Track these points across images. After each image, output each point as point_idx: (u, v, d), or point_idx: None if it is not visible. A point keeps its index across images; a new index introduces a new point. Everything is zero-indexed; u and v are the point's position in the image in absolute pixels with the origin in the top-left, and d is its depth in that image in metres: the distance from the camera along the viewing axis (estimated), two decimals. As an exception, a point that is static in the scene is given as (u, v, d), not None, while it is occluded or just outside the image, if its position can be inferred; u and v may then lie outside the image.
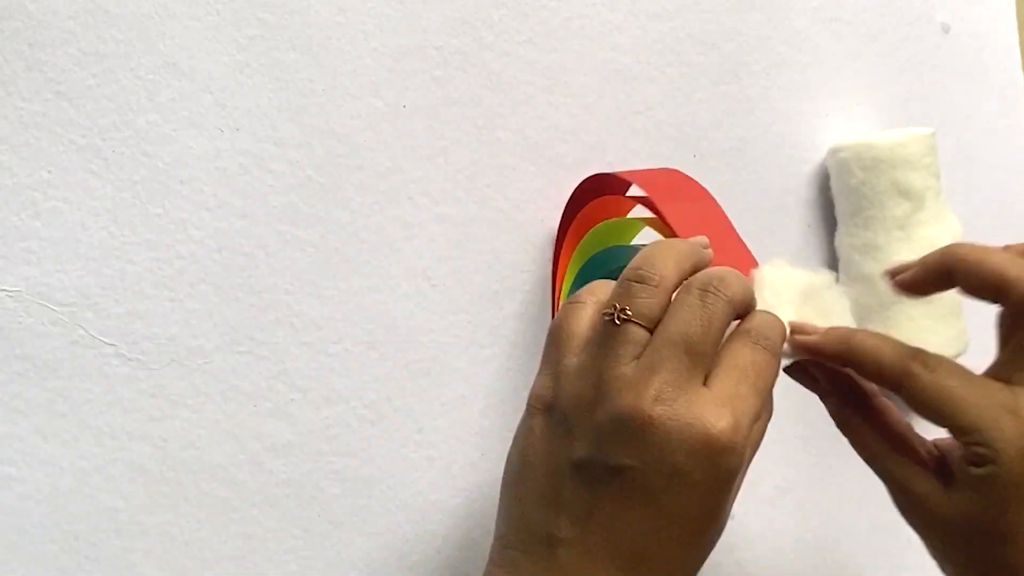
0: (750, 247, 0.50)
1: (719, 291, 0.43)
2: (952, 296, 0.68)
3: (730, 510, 0.44)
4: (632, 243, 0.57)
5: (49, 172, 0.49)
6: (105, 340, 0.50)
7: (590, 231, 0.57)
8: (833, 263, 0.70)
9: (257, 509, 0.53)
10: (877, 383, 0.49)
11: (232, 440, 0.53)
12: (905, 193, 0.66)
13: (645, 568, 0.42)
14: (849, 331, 0.47)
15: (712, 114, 0.66)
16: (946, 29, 0.75)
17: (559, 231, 0.59)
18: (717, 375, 0.43)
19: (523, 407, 0.45)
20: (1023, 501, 0.43)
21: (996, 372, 0.46)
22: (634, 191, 0.56)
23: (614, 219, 0.57)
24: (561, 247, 0.58)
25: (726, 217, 0.53)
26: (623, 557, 0.42)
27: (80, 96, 0.49)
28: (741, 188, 0.67)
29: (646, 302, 0.43)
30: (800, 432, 0.69)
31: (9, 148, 0.48)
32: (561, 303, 0.49)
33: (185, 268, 0.52)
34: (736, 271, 0.45)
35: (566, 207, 0.59)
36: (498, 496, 0.46)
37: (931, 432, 0.49)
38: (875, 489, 0.73)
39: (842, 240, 0.69)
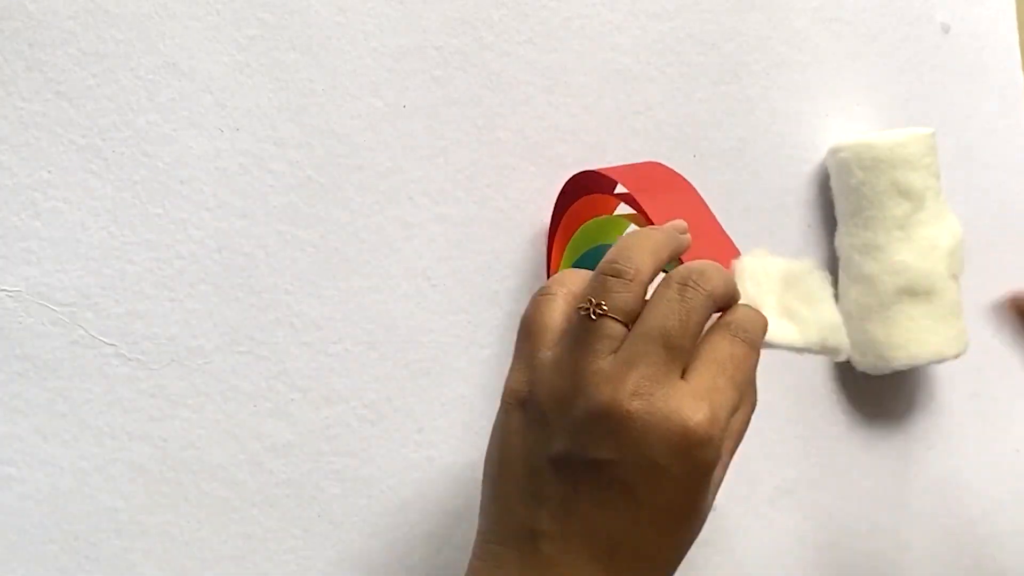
0: (750, 247, 0.50)
1: (698, 285, 0.43)
2: (952, 296, 0.68)
3: (712, 502, 0.44)
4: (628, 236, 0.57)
5: (49, 172, 0.49)
6: (105, 340, 0.50)
7: (578, 230, 0.57)
8: (833, 263, 0.70)
9: (257, 509, 0.53)
10: None
11: (232, 440, 0.53)
12: (905, 193, 0.66)
13: (625, 560, 0.42)
14: None
15: (712, 114, 0.66)
16: (946, 29, 0.75)
17: (550, 231, 0.59)
18: (695, 368, 0.43)
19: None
20: None
21: None
22: (620, 188, 0.56)
23: (601, 217, 0.57)
24: (552, 246, 0.59)
25: (707, 208, 0.53)
26: (603, 550, 0.42)
27: (80, 96, 0.49)
28: (741, 188, 0.67)
29: (622, 296, 0.43)
30: (800, 432, 0.69)
31: (9, 148, 0.48)
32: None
33: (185, 268, 0.52)
34: (717, 264, 0.45)
35: (555, 206, 0.58)
36: None
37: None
38: (875, 489, 0.73)
39: (842, 240, 0.69)
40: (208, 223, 0.52)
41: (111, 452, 0.50)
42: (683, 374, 0.43)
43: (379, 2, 0.56)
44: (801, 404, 0.70)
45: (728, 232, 0.52)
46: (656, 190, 0.54)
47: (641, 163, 0.60)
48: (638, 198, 0.52)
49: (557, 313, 0.45)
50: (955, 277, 0.68)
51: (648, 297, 0.44)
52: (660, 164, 0.58)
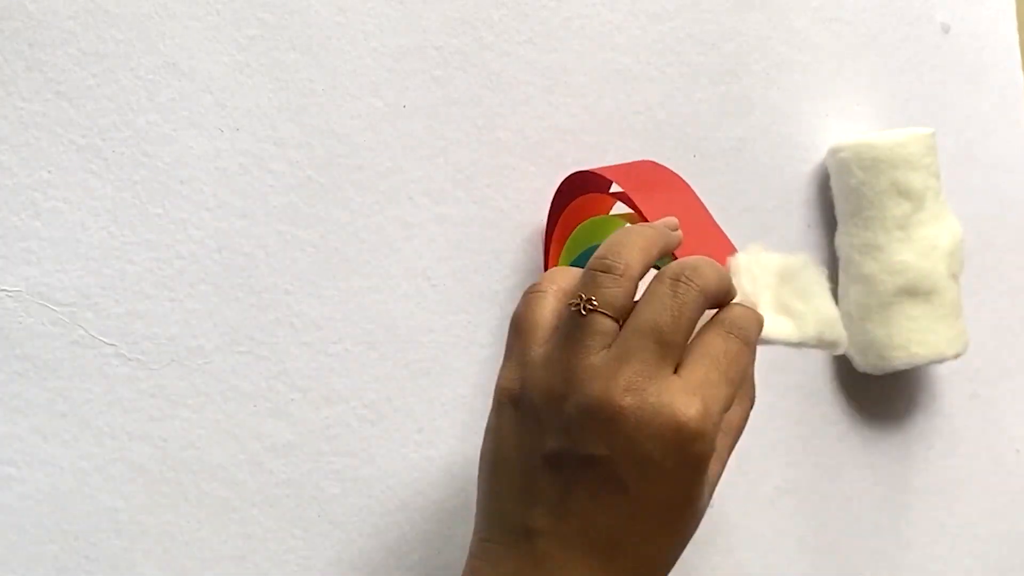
0: (746, 244, 0.50)
1: (691, 281, 0.43)
2: (952, 296, 0.68)
3: (708, 498, 0.44)
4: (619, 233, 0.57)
5: (49, 172, 0.49)
6: (105, 340, 0.50)
7: (574, 230, 0.57)
8: (833, 263, 0.70)
9: (257, 509, 0.53)
10: None
11: (232, 440, 0.53)
12: (905, 193, 0.66)
13: (621, 556, 0.42)
14: None
15: (712, 114, 0.66)
16: (946, 29, 0.75)
17: (546, 231, 0.59)
18: (688, 363, 0.43)
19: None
20: None
21: None
22: (615, 187, 0.56)
23: (597, 217, 0.57)
24: (549, 247, 0.59)
25: (703, 205, 0.53)
26: (599, 546, 0.42)
27: (80, 96, 0.49)
28: (741, 188, 0.67)
29: (612, 291, 0.43)
30: (800, 432, 0.69)
31: (9, 148, 0.48)
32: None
33: (185, 268, 0.52)
34: (711, 260, 0.45)
35: (551, 207, 0.58)
36: None
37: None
38: (875, 489, 0.73)
39: (842, 240, 0.69)
40: (208, 223, 0.52)
41: (111, 452, 0.50)
42: (677, 370, 0.43)
43: (379, 2, 0.56)
44: (801, 404, 0.70)
45: (728, 231, 0.52)
46: (652, 189, 0.54)
47: (636, 162, 0.60)
48: (633, 197, 0.52)
49: (548, 310, 0.45)
50: (955, 277, 0.68)
51: (640, 294, 0.44)
52: (655, 163, 0.58)
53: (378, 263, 0.56)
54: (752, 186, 0.67)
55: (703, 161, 0.65)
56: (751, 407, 0.48)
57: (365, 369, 0.56)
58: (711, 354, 0.43)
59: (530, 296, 0.46)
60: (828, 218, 0.70)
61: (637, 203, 0.52)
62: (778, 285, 0.48)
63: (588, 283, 0.44)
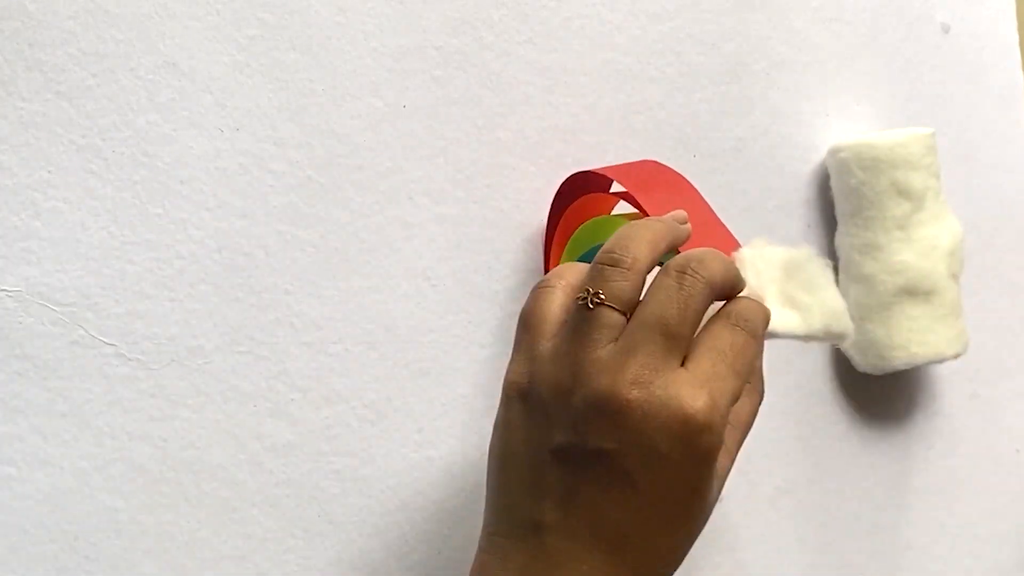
0: (749, 239, 0.50)
1: (697, 273, 0.43)
2: (952, 296, 0.68)
3: (717, 493, 0.44)
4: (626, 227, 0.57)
5: (49, 172, 0.49)
6: (105, 340, 0.50)
7: (576, 231, 0.57)
8: (833, 263, 0.70)
9: (257, 509, 0.53)
10: None
11: (232, 440, 0.53)
12: (905, 193, 0.66)
13: (630, 549, 0.42)
14: None
15: (712, 114, 0.66)
16: (946, 29, 0.75)
17: (546, 233, 0.59)
18: (695, 356, 0.43)
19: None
20: None
21: None
22: (616, 187, 0.56)
23: (599, 217, 0.57)
24: (550, 248, 0.59)
25: (706, 202, 0.53)
26: (607, 539, 0.42)
27: (80, 96, 0.49)
28: (741, 188, 0.67)
29: (619, 285, 0.43)
30: (800, 432, 0.69)
31: (9, 148, 0.48)
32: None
33: (185, 268, 0.52)
34: (717, 252, 0.45)
35: (551, 207, 0.58)
36: None
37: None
38: (875, 489, 0.73)
39: (842, 240, 0.69)
40: (208, 223, 0.52)
41: (111, 452, 0.50)
42: (684, 363, 0.43)
43: (379, 2, 0.56)
44: (801, 404, 0.70)
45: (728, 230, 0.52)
46: (654, 187, 0.54)
47: (637, 161, 0.60)
48: (636, 195, 0.52)
49: (556, 305, 0.45)
50: (955, 277, 0.68)
51: (647, 287, 0.44)
52: (656, 162, 0.58)
53: (378, 263, 0.56)
54: (752, 186, 0.67)
55: (703, 161, 0.65)
56: (760, 401, 0.48)
57: (365, 369, 0.56)
58: (718, 347, 0.43)
59: (538, 291, 0.46)
60: (828, 218, 0.70)
61: (640, 202, 0.52)
62: (783, 278, 0.48)
63: (595, 277, 0.44)
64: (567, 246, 0.57)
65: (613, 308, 0.43)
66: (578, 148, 0.61)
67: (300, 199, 0.54)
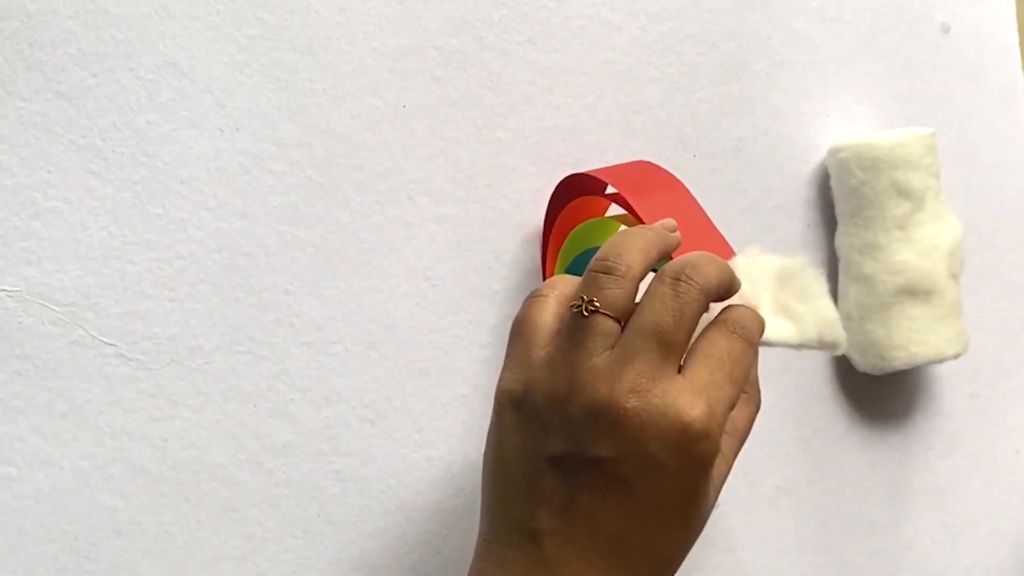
0: (746, 246, 0.50)
1: (691, 279, 0.43)
2: (952, 296, 0.68)
3: (714, 499, 0.44)
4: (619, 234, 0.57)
5: (49, 172, 0.49)
6: (105, 340, 0.50)
7: (571, 233, 0.57)
8: (833, 263, 0.70)
9: (257, 509, 0.53)
10: None
11: (232, 440, 0.53)
12: (905, 193, 0.66)
13: (628, 557, 0.42)
14: None
15: (712, 114, 0.66)
16: (946, 29, 0.75)
17: (543, 235, 0.59)
18: (692, 364, 0.43)
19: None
20: None
21: None
22: (610, 189, 0.56)
23: (593, 219, 0.57)
24: (546, 250, 0.58)
25: (699, 206, 0.53)
26: (605, 547, 0.42)
27: (80, 96, 0.49)
28: (741, 188, 0.67)
29: (614, 292, 0.43)
30: (800, 432, 0.69)
31: (9, 148, 0.48)
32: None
33: (185, 268, 0.52)
34: (711, 255, 0.45)
35: (547, 210, 0.58)
36: None
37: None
38: (875, 489, 0.73)
39: (842, 240, 0.69)
40: (208, 223, 0.52)
41: (111, 452, 0.50)
42: (680, 370, 0.43)
43: (379, 2, 0.56)
44: (801, 404, 0.70)
45: (728, 231, 0.52)
46: (647, 190, 0.54)
47: (631, 162, 0.60)
48: (628, 198, 0.52)
49: (549, 314, 0.45)
50: (955, 277, 0.68)
51: (640, 295, 0.44)
52: (650, 163, 0.58)
53: (378, 263, 0.56)
54: (752, 186, 0.67)
55: (703, 161, 0.65)
56: (757, 411, 0.48)
57: (365, 369, 0.56)
58: (715, 355, 0.43)
59: (531, 300, 0.46)
60: (828, 218, 0.70)
61: (632, 205, 0.52)
62: (777, 287, 0.48)
63: (589, 284, 0.44)
64: (562, 249, 0.57)
65: (608, 315, 0.43)
66: (578, 148, 0.61)
67: (300, 199, 0.54)
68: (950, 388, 0.75)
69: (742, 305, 0.46)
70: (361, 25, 0.55)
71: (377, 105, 0.56)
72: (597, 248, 0.56)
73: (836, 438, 0.71)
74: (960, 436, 0.75)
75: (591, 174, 0.56)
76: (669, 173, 0.56)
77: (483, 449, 0.46)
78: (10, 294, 0.48)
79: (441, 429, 0.58)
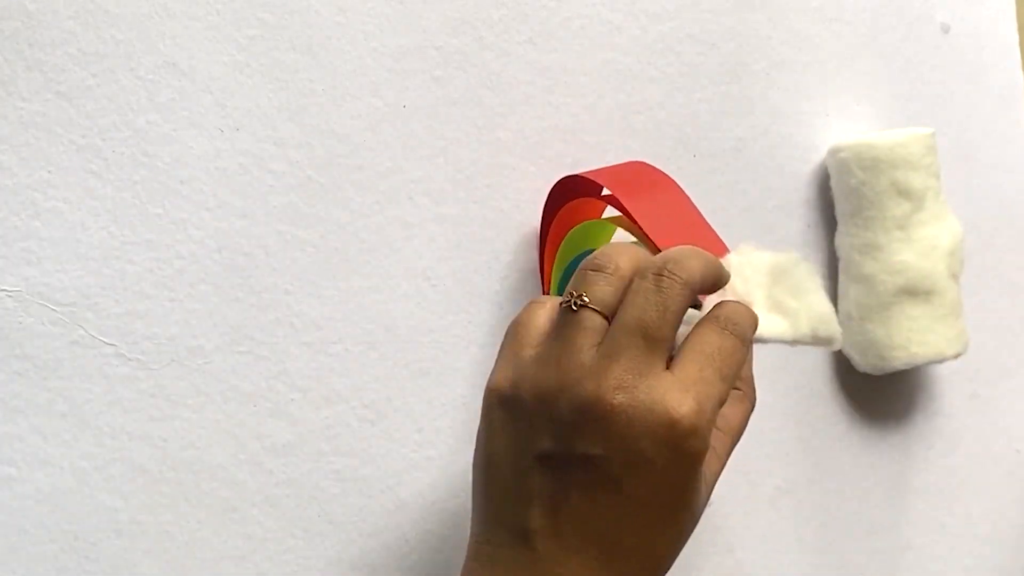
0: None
1: (673, 274, 0.43)
2: (953, 296, 0.68)
3: (707, 497, 0.44)
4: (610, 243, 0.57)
5: (49, 172, 0.49)
6: (105, 340, 0.50)
7: (567, 235, 0.57)
8: (833, 263, 0.70)
9: (257, 509, 0.53)
10: None
11: (232, 440, 0.53)
12: (905, 193, 0.66)
13: (619, 554, 0.42)
14: None
15: (712, 114, 0.66)
16: (946, 29, 0.75)
17: (540, 238, 0.59)
18: (681, 360, 0.43)
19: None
20: None
21: None
22: (605, 190, 0.56)
23: (589, 221, 0.57)
24: (544, 254, 0.58)
25: (693, 205, 0.53)
26: (596, 544, 0.42)
27: (80, 96, 0.49)
28: (741, 188, 0.67)
29: (603, 289, 0.44)
30: (800, 432, 0.69)
31: (9, 148, 0.48)
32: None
33: (185, 268, 0.52)
34: (695, 249, 0.45)
35: (543, 212, 0.58)
36: None
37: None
38: (875, 489, 0.73)
39: (842, 240, 0.69)
40: (208, 223, 0.52)
41: (111, 452, 0.50)
42: (670, 366, 0.43)
43: (379, 2, 0.56)
44: (801, 404, 0.70)
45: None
46: (641, 191, 0.54)
47: (625, 163, 0.60)
48: (622, 199, 0.52)
49: (543, 316, 0.45)
50: (955, 277, 0.68)
51: None
52: (644, 163, 0.58)
53: (378, 263, 0.56)
54: (752, 186, 0.67)
55: (703, 161, 0.65)
56: (752, 409, 0.48)
57: (365, 369, 0.56)
58: (705, 351, 0.43)
59: (530, 304, 0.47)
60: (828, 218, 0.70)
61: (626, 205, 0.52)
62: (770, 284, 0.48)
63: (579, 282, 0.44)
64: (559, 252, 0.57)
65: (595, 311, 0.43)
66: (578, 148, 0.61)
67: (300, 199, 0.54)
68: (950, 388, 0.75)
69: (734, 301, 0.46)
70: (361, 25, 0.55)
71: (377, 105, 0.56)
72: (593, 249, 0.56)
73: (836, 438, 0.71)
74: (960, 436, 0.75)
75: (585, 175, 0.56)
76: (662, 173, 0.56)
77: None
78: (10, 294, 0.48)
79: (441, 429, 0.58)
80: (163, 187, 0.51)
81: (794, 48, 0.69)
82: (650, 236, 0.50)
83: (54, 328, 0.49)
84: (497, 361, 0.46)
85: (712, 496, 0.45)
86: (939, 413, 0.75)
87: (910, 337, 0.67)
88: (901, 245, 0.67)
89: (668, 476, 0.42)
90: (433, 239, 0.57)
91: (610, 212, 0.56)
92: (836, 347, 0.49)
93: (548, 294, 0.58)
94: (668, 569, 0.44)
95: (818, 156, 0.70)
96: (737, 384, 0.47)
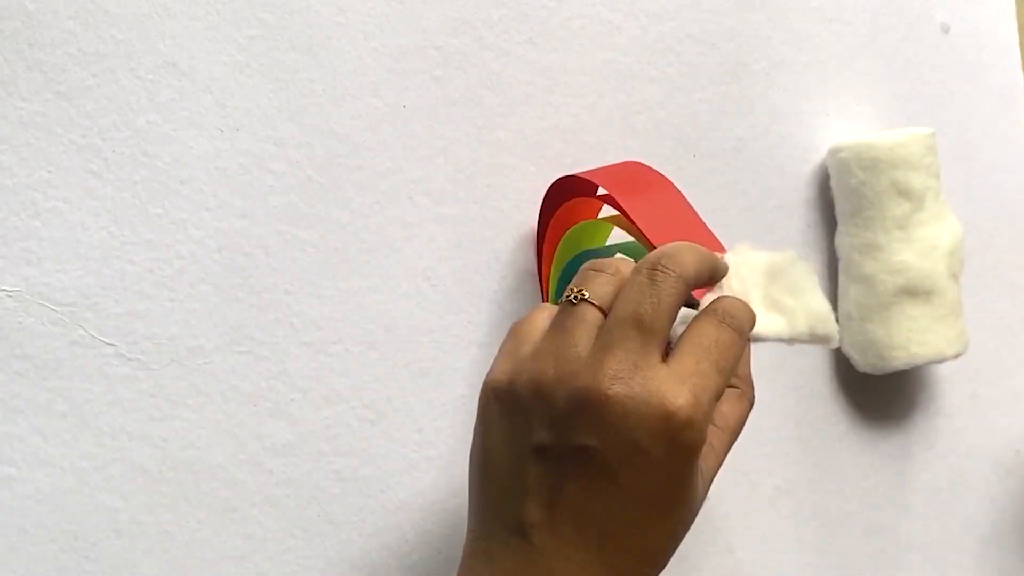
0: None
1: (667, 268, 0.43)
2: (952, 296, 0.68)
3: (704, 493, 0.44)
4: (607, 243, 0.58)
5: (49, 172, 0.49)
6: (105, 340, 0.50)
7: (565, 236, 0.57)
8: (833, 263, 0.70)
9: (257, 509, 0.53)
10: None
11: (232, 440, 0.53)
12: (905, 193, 0.66)
13: (616, 547, 0.42)
14: None
15: (712, 114, 0.66)
16: (946, 29, 0.75)
17: (537, 239, 0.59)
18: (679, 352, 0.43)
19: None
20: None
21: None
22: (601, 190, 0.56)
23: (586, 221, 0.57)
24: (541, 254, 0.58)
25: (689, 205, 0.53)
26: (593, 537, 0.42)
27: (80, 96, 0.49)
28: (741, 188, 0.67)
29: (603, 286, 0.44)
30: (800, 432, 0.69)
31: (9, 148, 0.48)
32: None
33: (185, 268, 0.52)
34: (690, 244, 0.45)
35: (540, 212, 0.58)
36: None
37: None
38: (875, 489, 0.73)
39: (842, 240, 0.69)
40: (208, 223, 0.52)
41: (111, 452, 0.50)
42: (666, 359, 0.43)
43: (379, 2, 0.56)
44: (801, 404, 0.70)
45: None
46: (636, 190, 0.54)
47: (620, 163, 0.60)
48: (618, 199, 0.52)
49: (545, 316, 0.46)
50: (955, 277, 0.68)
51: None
52: (640, 163, 0.58)
53: (378, 263, 0.56)
54: (752, 186, 0.67)
55: (703, 161, 0.65)
56: (750, 407, 0.48)
57: (365, 369, 0.56)
58: (702, 344, 0.43)
59: (535, 308, 0.47)
60: (828, 218, 0.70)
61: (622, 205, 0.52)
62: (767, 283, 0.48)
63: (580, 279, 0.45)
64: (556, 252, 0.57)
65: (594, 305, 0.44)
66: (578, 148, 0.61)
67: (300, 199, 0.54)
68: (950, 388, 0.75)
69: (732, 296, 0.46)
70: (361, 25, 0.55)
71: (377, 105, 0.56)
72: (592, 251, 0.56)
73: (836, 438, 0.71)
74: (960, 436, 0.75)
75: (582, 176, 0.56)
76: (658, 172, 0.56)
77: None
78: (10, 294, 0.48)
79: (441, 429, 0.58)
80: (163, 187, 0.51)
81: (794, 48, 0.69)
82: (647, 234, 0.50)
83: (54, 328, 0.49)
84: (496, 358, 0.46)
85: (710, 494, 0.45)
86: (939, 413, 0.75)
87: (910, 337, 0.67)
88: (901, 245, 0.67)
89: (664, 468, 0.42)
90: (433, 239, 0.57)
91: (607, 212, 0.56)
92: (834, 345, 0.50)
93: (547, 295, 0.58)
94: (665, 563, 0.44)
95: (818, 156, 0.70)
96: (736, 382, 0.47)
